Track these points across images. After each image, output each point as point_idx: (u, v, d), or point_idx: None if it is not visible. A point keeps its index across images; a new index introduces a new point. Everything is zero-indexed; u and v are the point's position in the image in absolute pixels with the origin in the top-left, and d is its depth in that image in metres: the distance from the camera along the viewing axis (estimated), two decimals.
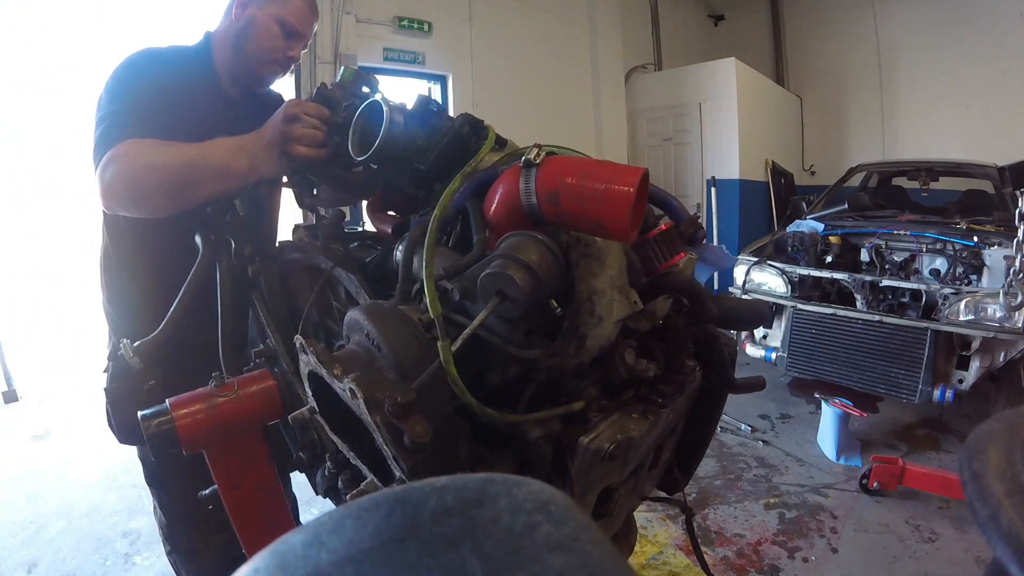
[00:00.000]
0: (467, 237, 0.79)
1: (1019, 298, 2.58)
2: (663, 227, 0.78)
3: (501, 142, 0.85)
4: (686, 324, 0.82)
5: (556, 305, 0.67)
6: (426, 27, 4.94)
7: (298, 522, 1.36)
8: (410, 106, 0.85)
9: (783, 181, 6.29)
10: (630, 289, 0.70)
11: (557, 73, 5.65)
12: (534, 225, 0.70)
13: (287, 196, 1.26)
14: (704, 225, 0.86)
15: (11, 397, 4.16)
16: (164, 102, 1.09)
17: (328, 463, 0.88)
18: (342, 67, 1.05)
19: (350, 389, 0.58)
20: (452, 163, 0.80)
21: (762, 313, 1.12)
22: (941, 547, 2.26)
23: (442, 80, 5.21)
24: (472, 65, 5.21)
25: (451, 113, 0.87)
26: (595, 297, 0.68)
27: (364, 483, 0.70)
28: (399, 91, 5.43)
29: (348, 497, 0.75)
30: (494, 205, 0.74)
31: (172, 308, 1.01)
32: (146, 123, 1.03)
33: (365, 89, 1.05)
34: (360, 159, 0.82)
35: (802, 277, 3.37)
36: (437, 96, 5.26)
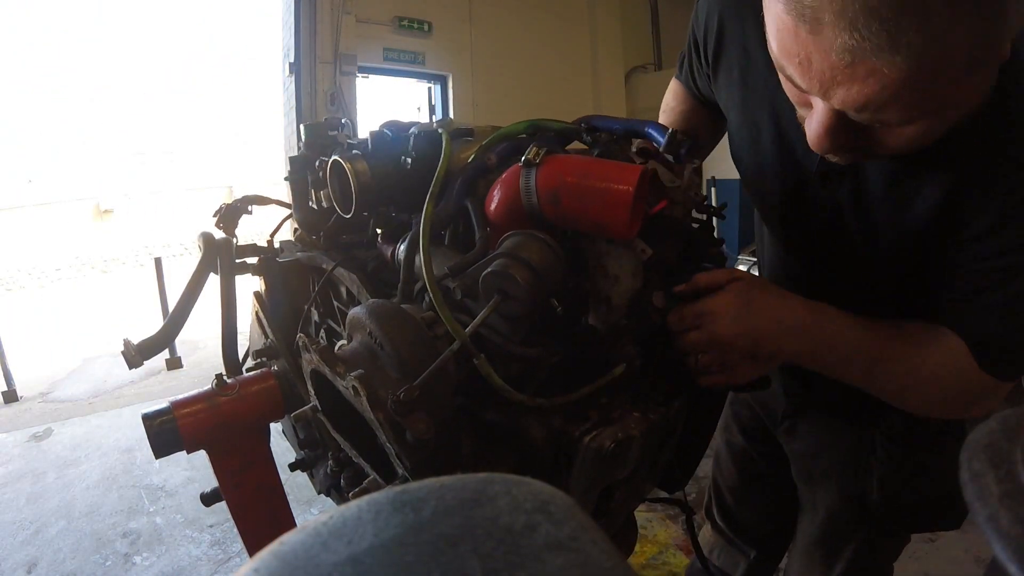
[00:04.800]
0: (468, 235, 0.79)
1: None
2: (647, 171, 0.75)
3: (466, 133, 0.85)
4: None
5: (557, 304, 0.67)
6: (426, 27, 4.95)
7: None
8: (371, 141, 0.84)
9: None
10: (636, 240, 0.70)
11: (557, 73, 5.65)
12: (535, 224, 0.70)
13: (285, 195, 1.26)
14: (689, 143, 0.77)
15: (11, 397, 4.17)
16: None
17: (330, 461, 0.89)
18: (301, 127, 1.03)
19: (353, 387, 0.58)
20: (427, 183, 0.80)
21: None
22: (941, 547, 2.26)
23: (442, 80, 5.22)
24: (472, 65, 5.21)
25: (451, 112, 0.87)
26: (604, 258, 0.69)
27: (366, 481, 0.70)
28: (398, 91, 5.42)
29: (350, 495, 0.76)
30: (494, 204, 0.74)
31: (172, 308, 1.01)
32: None
33: (332, 132, 1.02)
34: (348, 216, 0.83)
35: None
36: (437, 96, 5.27)
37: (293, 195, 1.01)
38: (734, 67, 0.86)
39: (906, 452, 0.95)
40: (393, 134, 0.84)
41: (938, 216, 0.69)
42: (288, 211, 1.13)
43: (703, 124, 1.06)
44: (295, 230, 1.09)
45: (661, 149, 0.79)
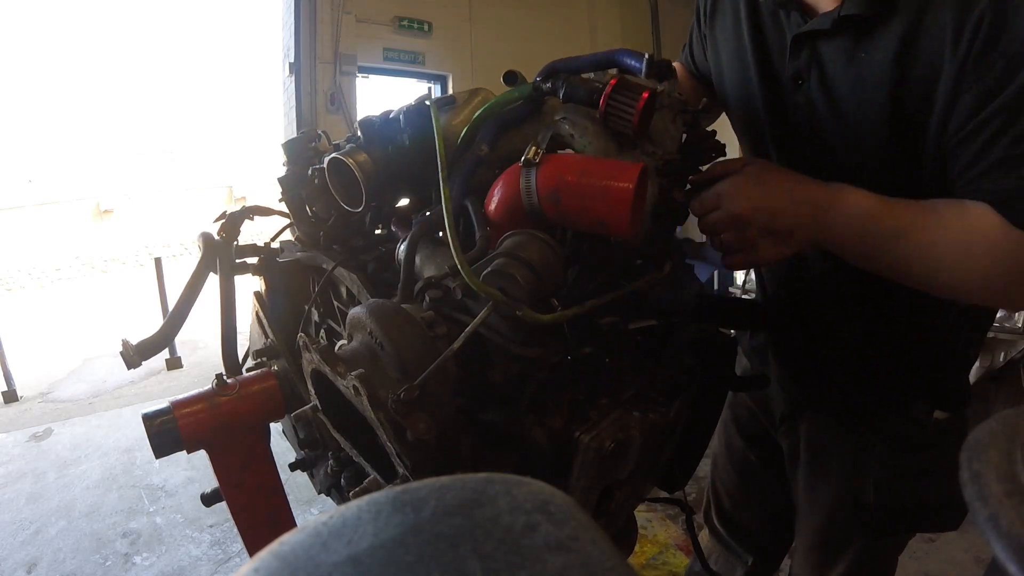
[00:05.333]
0: (468, 235, 0.79)
1: None
2: (612, 83, 0.73)
3: (449, 100, 0.86)
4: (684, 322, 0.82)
5: (557, 304, 0.67)
6: (426, 27, 4.94)
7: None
8: (360, 132, 0.84)
9: None
10: (643, 143, 0.74)
11: None
12: (535, 223, 0.70)
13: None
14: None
15: (11, 397, 4.17)
16: None
17: (330, 461, 0.89)
18: (281, 147, 1.03)
19: (353, 387, 0.58)
20: (429, 157, 0.81)
21: (763, 313, 1.12)
22: (941, 547, 2.26)
23: (442, 80, 5.22)
24: (472, 65, 5.21)
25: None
26: None
27: (367, 481, 0.70)
28: (398, 91, 5.42)
29: (350, 495, 0.76)
30: (494, 204, 0.74)
31: (172, 308, 1.01)
32: None
33: (312, 144, 1.01)
34: (358, 210, 0.83)
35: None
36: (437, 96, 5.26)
37: (292, 213, 1.01)
38: (727, 12, 0.97)
39: (904, 454, 0.95)
40: (380, 120, 0.84)
41: (897, 77, 0.71)
42: (288, 220, 1.13)
43: (692, 91, 1.13)
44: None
45: (642, 74, 0.79)
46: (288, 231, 1.13)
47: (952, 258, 0.70)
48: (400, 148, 0.81)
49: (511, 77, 0.87)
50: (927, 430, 0.93)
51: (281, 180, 0.99)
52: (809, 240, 0.77)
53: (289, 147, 1.00)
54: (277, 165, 1.08)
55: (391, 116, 0.83)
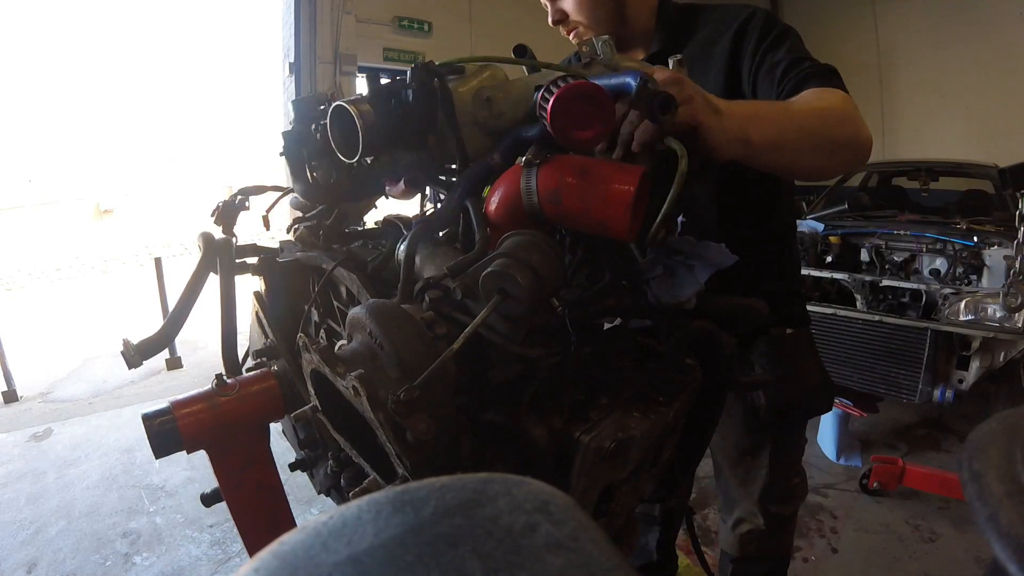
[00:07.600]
0: (469, 236, 0.79)
1: (1019, 298, 2.58)
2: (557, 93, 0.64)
3: (457, 70, 0.85)
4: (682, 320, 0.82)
5: (557, 304, 0.67)
6: (426, 27, 4.95)
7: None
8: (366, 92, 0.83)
9: None
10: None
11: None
12: (535, 224, 0.70)
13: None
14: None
15: (11, 397, 4.17)
16: None
17: (330, 461, 0.89)
18: (289, 104, 1.03)
19: (353, 387, 0.58)
20: (429, 116, 0.82)
21: (762, 313, 1.12)
22: (941, 547, 2.27)
23: None
24: None
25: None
26: None
27: (367, 481, 0.70)
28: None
29: (350, 495, 0.76)
30: (494, 204, 0.74)
31: (172, 308, 1.01)
32: None
33: (321, 107, 1.00)
34: (353, 160, 0.82)
35: (802, 277, 3.36)
36: None
37: (291, 171, 1.00)
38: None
39: (775, 365, 1.21)
40: (387, 77, 0.84)
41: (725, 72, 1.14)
42: (285, 189, 1.13)
43: None
44: (295, 229, 1.09)
45: (638, 106, 0.69)
46: (288, 231, 1.13)
47: (836, 110, 0.97)
48: (403, 104, 0.81)
49: (521, 50, 0.89)
50: (786, 344, 1.24)
51: (284, 134, 0.98)
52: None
53: (298, 104, 1.00)
54: (277, 165, 1.07)
55: (398, 77, 0.84)
